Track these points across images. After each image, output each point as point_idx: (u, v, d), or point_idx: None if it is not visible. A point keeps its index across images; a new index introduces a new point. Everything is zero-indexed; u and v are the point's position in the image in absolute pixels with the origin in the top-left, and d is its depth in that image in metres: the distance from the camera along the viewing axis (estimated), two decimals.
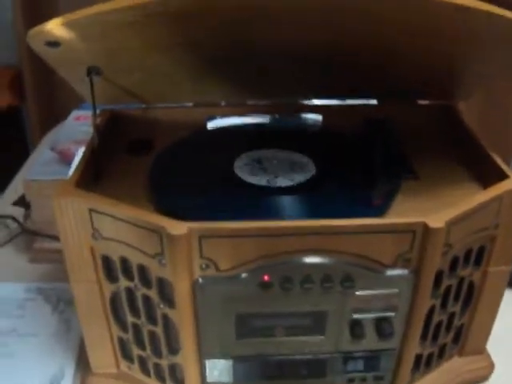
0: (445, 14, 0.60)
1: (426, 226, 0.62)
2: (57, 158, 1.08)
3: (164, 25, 0.63)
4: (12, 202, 1.19)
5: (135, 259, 0.66)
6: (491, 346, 0.84)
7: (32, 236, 1.11)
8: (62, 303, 0.99)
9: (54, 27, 0.61)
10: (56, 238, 1.01)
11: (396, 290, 0.66)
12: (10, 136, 2.17)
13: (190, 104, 0.93)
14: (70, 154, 1.07)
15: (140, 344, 0.74)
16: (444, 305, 0.74)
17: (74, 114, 1.27)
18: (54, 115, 2.05)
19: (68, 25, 0.61)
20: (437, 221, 0.62)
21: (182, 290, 0.64)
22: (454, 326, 0.78)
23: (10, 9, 2.02)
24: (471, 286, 0.76)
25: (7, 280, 1.05)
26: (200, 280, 0.63)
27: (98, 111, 0.84)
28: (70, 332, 0.92)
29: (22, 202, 1.14)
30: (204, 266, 0.63)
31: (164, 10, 0.59)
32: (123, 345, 0.77)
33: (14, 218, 1.16)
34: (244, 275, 0.63)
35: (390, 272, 0.65)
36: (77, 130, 1.18)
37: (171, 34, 0.67)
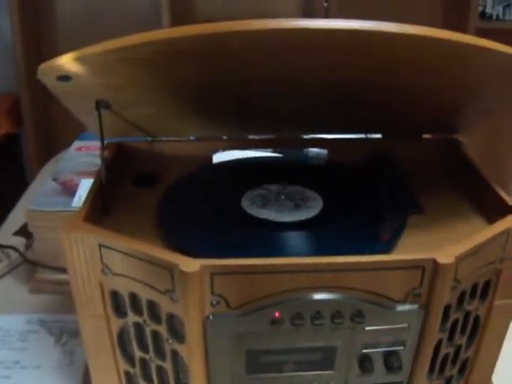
0: (449, 52, 0.61)
1: (435, 262, 0.63)
2: (59, 188, 1.08)
3: (172, 62, 0.64)
4: (13, 232, 1.19)
5: (145, 295, 0.66)
6: (496, 378, 0.84)
7: (33, 266, 1.11)
8: (65, 335, 0.98)
9: (66, 62, 0.62)
10: (58, 269, 1.02)
11: (405, 325, 0.67)
12: (7, 163, 2.18)
13: (193, 138, 0.93)
14: (73, 185, 1.08)
15: (147, 379, 0.74)
16: (451, 338, 0.74)
17: (76, 144, 1.27)
18: (51, 143, 2.06)
19: (80, 60, 0.61)
20: (446, 257, 0.63)
21: (192, 327, 0.64)
22: (460, 359, 0.78)
23: (9, 37, 2.04)
24: (477, 319, 0.76)
25: (8, 311, 1.05)
26: (211, 317, 0.63)
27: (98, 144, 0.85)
28: (74, 364, 0.92)
29: (23, 232, 1.14)
30: (215, 302, 0.63)
31: (173, 48, 0.60)
32: (130, 379, 0.76)
33: (15, 248, 1.16)
34: (254, 312, 0.63)
35: (400, 307, 0.65)
36: (78, 160, 1.18)
37: (178, 72, 0.67)
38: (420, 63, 0.64)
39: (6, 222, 1.32)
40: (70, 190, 1.07)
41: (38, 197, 1.07)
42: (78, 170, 1.14)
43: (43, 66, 0.63)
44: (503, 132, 1.45)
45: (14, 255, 1.16)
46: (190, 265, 0.60)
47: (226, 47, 0.60)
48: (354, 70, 0.66)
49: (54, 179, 1.11)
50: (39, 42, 2.06)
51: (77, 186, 1.07)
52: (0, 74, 2.06)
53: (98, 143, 0.76)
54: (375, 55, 0.62)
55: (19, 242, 1.18)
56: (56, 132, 2.09)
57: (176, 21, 2.09)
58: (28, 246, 1.14)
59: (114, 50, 0.59)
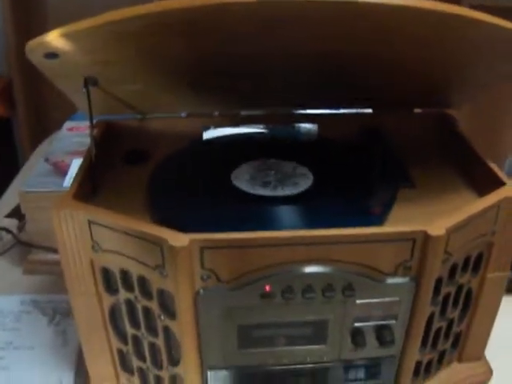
0: (441, 24, 0.60)
1: (426, 234, 0.63)
2: (51, 169, 1.08)
3: (161, 36, 0.63)
4: (6, 214, 1.19)
5: (135, 271, 0.66)
6: (490, 351, 0.84)
7: (26, 248, 1.11)
8: (58, 315, 0.98)
9: (54, 39, 0.61)
10: (51, 250, 1.02)
11: (397, 298, 0.67)
12: (1, 146, 2.17)
13: (184, 114, 0.93)
14: (65, 165, 1.07)
15: (140, 356, 0.74)
16: (443, 312, 0.74)
17: (67, 124, 1.26)
18: (44, 125, 2.05)
19: (67, 36, 0.61)
20: (437, 229, 0.63)
21: (183, 302, 0.64)
22: (453, 333, 0.78)
23: (0, 18, 2.02)
24: (469, 292, 0.76)
25: (2, 292, 1.04)
26: (201, 291, 0.63)
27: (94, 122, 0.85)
28: (67, 344, 0.92)
29: (16, 213, 1.14)
30: (205, 277, 0.62)
31: (162, 22, 0.59)
32: (123, 357, 0.76)
33: (7, 230, 1.15)
34: (245, 286, 0.63)
35: (391, 280, 0.65)
36: (70, 141, 1.18)
37: (168, 46, 0.67)
38: (409, 35, 0.63)
39: None
40: (62, 171, 1.06)
41: (30, 178, 1.07)
42: (69, 150, 1.14)
43: (30, 44, 0.62)
44: (500, 104, 1.45)
45: (7, 237, 1.16)
46: (179, 239, 0.60)
47: (216, 20, 0.59)
48: (345, 42, 0.66)
49: (46, 160, 1.11)
50: (30, 23, 2.05)
51: (68, 166, 1.07)
52: None
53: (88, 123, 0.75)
54: (364, 26, 0.61)
55: (12, 223, 1.17)
56: (49, 114, 2.07)
57: None
58: (21, 228, 1.14)
59: (102, 25, 0.58)
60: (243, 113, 0.94)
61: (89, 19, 0.58)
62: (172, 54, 0.69)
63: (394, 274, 0.65)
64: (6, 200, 1.30)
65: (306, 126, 0.92)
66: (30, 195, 1.02)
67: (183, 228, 0.63)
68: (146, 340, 0.71)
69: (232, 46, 0.66)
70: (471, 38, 0.64)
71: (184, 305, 0.64)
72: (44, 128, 1.85)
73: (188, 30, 0.62)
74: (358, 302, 0.66)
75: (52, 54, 0.64)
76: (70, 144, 1.16)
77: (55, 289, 1.03)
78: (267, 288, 0.63)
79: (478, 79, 0.80)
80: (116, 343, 0.75)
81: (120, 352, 0.76)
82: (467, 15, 0.58)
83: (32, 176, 1.07)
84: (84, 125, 1.21)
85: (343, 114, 0.94)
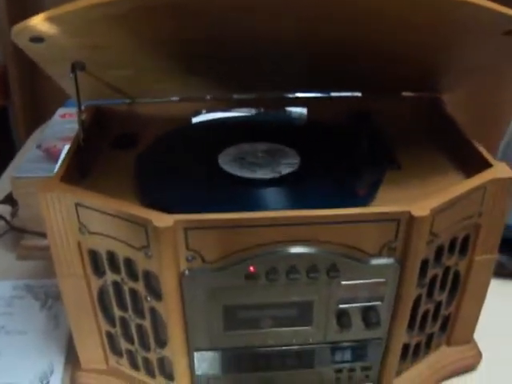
0: (431, 6, 0.61)
1: (410, 215, 0.63)
2: (43, 155, 1.08)
3: (149, 19, 0.63)
4: None
5: (122, 253, 0.66)
6: (479, 335, 0.84)
7: (19, 233, 1.11)
8: (51, 300, 0.99)
9: (39, 22, 0.61)
10: (43, 235, 1.01)
11: (382, 279, 0.67)
12: None
13: (176, 99, 0.93)
14: (56, 151, 1.07)
15: (128, 338, 0.74)
16: (430, 294, 0.74)
17: (60, 111, 1.27)
18: (40, 113, 2.04)
19: (52, 20, 0.61)
20: (421, 209, 0.63)
21: (168, 283, 0.64)
22: (441, 316, 0.79)
23: None
24: (457, 275, 0.76)
25: None
26: (186, 272, 0.63)
27: (83, 107, 0.85)
28: (59, 328, 0.92)
29: (9, 199, 1.14)
30: (190, 257, 0.63)
31: (149, 4, 0.59)
32: (112, 339, 0.77)
33: (0, 216, 1.16)
34: (230, 266, 0.63)
35: (376, 261, 0.66)
36: (62, 127, 1.18)
37: (156, 29, 0.67)
38: (395, 17, 0.63)
39: None
40: (54, 156, 1.07)
41: (22, 164, 1.07)
42: (61, 136, 1.14)
43: (16, 27, 0.63)
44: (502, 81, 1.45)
45: (0, 223, 1.16)
46: (164, 220, 0.60)
47: (203, 3, 0.60)
48: (331, 25, 0.66)
49: (38, 146, 1.11)
50: (26, 11, 2.04)
51: (60, 151, 1.07)
52: None
53: None
54: (349, 8, 0.61)
55: (5, 210, 1.17)
56: (44, 102, 2.06)
57: None
58: (14, 214, 1.14)
59: (88, 7, 0.58)
60: (234, 97, 0.94)
61: (73, 2, 0.57)
62: (160, 37, 0.69)
63: (379, 255, 0.65)
64: (0, 187, 1.30)
65: (296, 110, 0.93)
66: (22, 181, 1.02)
67: (170, 210, 0.63)
68: (134, 322, 0.72)
69: (219, 29, 0.66)
70: (457, 19, 0.64)
71: (169, 286, 0.64)
72: (40, 116, 1.84)
73: (174, 13, 0.62)
74: (342, 283, 0.66)
75: (38, 38, 0.64)
76: (63, 130, 1.17)
77: (48, 273, 1.03)
78: (251, 269, 0.63)
79: (465, 63, 0.80)
80: (105, 326, 0.76)
81: (109, 334, 0.76)
82: None
83: (24, 162, 1.07)
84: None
85: (333, 97, 0.94)
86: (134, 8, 0.60)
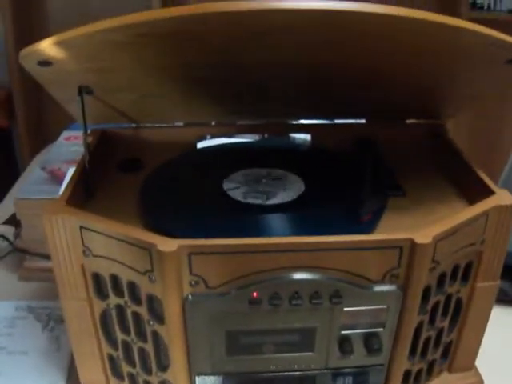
0: (431, 33, 0.61)
1: (413, 242, 0.63)
2: (47, 177, 1.09)
3: (155, 45, 0.64)
4: (2, 221, 1.20)
5: (125, 276, 0.67)
6: (480, 361, 0.84)
7: (22, 254, 1.11)
8: (52, 321, 0.99)
9: (46, 47, 0.62)
10: (46, 257, 1.02)
11: (384, 306, 0.67)
12: (1, 157, 2.17)
13: (181, 124, 0.93)
14: (61, 174, 1.08)
15: (130, 361, 0.74)
16: (432, 321, 0.74)
17: (65, 134, 1.27)
18: (43, 135, 2.05)
19: (60, 44, 0.61)
20: (424, 237, 0.63)
21: (171, 307, 0.64)
22: (443, 342, 0.79)
23: (1, 29, 2.03)
24: (459, 301, 0.76)
25: None
26: (189, 297, 0.64)
27: (88, 130, 0.85)
28: (60, 350, 0.92)
29: (12, 220, 1.15)
30: (193, 282, 0.63)
31: (154, 31, 0.60)
32: (113, 362, 0.77)
33: (4, 237, 1.16)
34: (233, 292, 0.64)
35: (378, 288, 0.66)
36: (67, 150, 1.19)
37: (162, 55, 0.67)
38: (396, 44, 0.64)
39: None
40: (58, 179, 1.07)
41: (25, 185, 1.08)
42: (66, 158, 1.14)
43: (24, 51, 0.63)
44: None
45: (3, 244, 1.16)
46: (168, 244, 0.60)
47: (204, 29, 0.60)
48: (334, 52, 0.67)
49: (42, 168, 1.12)
50: (32, 34, 2.06)
51: (65, 174, 1.07)
52: None
53: None
54: (352, 36, 0.62)
55: (9, 230, 1.18)
56: (48, 124, 2.08)
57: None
58: (17, 235, 1.14)
59: (94, 33, 0.59)
60: (239, 122, 0.94)
61: (81, 27, 0.58)
62: (165, 63, 0.70)
63: (382, 282, 0.66)
64: (3, 207, 1.31)
65: (300, 136, 0.93)
66: (25, 202, 1.02)
67: (174, 234, 0.63)
68: (136, 345, 0.72)
69: (222, 55, 0.66)
70: (460, 47, 0.65)
71: (172, 310, 0.64)
72: (43, 138, 1.86)
73: (177, 39, 0.62)
74: (345, 309, 0.67)
75: (45, 62, 0.65)
76: (67, 153, 1.17)
77: (50, 295, 1.03)
78: (255, 294, 0.64)
79: (468, 90, 0.81)
80: (106, 348, 0.75)
81: (110, 357, 0.76)
82: (451, 23, 0.59)
83: (27, 183, 1.08)
84: (81, 134, 1.22)
85: (337, 124, 0.94)
86: (139, 34, 0.60)
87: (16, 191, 1.30)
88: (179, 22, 0.58)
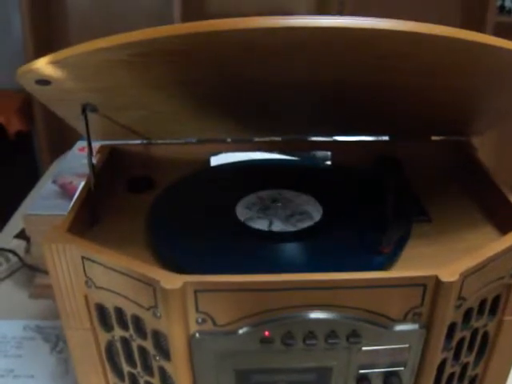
0: (458, 51, 0.57)
1: (437, 280, 0.58)
2: (59, 191, 1.06)
3: (160, 64, 0.61)
4: (14, 235, 1.17)
5: (129, 310, 0.63)
6: None
7: (33, 271, 1.08)
8: (61, 342, 0.96)
9: (43, 66, 0.58)
10: None
11: (406, 345, 0.63)
12: (20, 161, 2.16)
13: (194, 140, 0.90)
14: (72, 187, 1.05)
15: None
16: (457, 356, 0.70)
17: (79, 144, 1.24)
18: (63, 141, 2.03)
19: (57, 63, 0.58)
20: (450, 274, 0.59)
21: (177, 344, 0.60)
22: (468, 376, 0.74)
23: (20, 34, 2.02)
24: (485, 335, 0.72)
25: (6, 316, 1.03)
26: (196, 335, 0.60)
27: (97, 146, 0.82)
28: (68, 374, 0.90)
29: (23, 235, 1.12)
30: (200, 320, 0.59)
31: (158, 49, 0.56)
32: None
33: (14, 252, 1.13)
34: (243, 331, 0.60)
35: (399, 327, 0.61)
36: (81, 162, 1.16)
37: (168, 72, 0.64)
38: (420, 61, 0.60)
39: (8, 223, 1.30)
40: (70, 193, 1.04)
41: (36, 200, 1.05)
42: (79, 171, 1.11)
43: (21, 70, 0.60)
44: None
45: (14, 259, 1.13)
46: (172, 281, 0.56)
47: (214, 47, 0.57)
48: (354, 69, 0.63)
49: (54, 181, 1.09)
50: (50, 39, 2.05)
51: (76, 188, 1.04)
52: (11, 72, 2.03)
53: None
54: (372, 53, 0.58)
55: (20, 244, 1.15)
56: (68, 130, 2.06)
57: (188, 16, 2.06)
58: (27, 250, 1.11)
59: (92, 52, 0.55)
60: (255, 139, 0.90)
61: (77, 46, 0.55)
62: (170, 81, 0.66)
63: (403, 321, 0.61)
64: (15, 220, 1.29)
65: (319, 154, 0.89)
66: (34, 218, 1.00)
67: (182, 266, 0.61)
68: (143, 379, 0.68)
69: (233, 72, 0.63)
70: (488, 64, 0.61)
71: (178, 347, 0.61)
72: (63, 143, 1.83)
73: (181, 57, 0.59)
74: (363, 349, 0.62)
75: (43, 81, 0.61)
76: (81, 165, 1.14)
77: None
78: (266, 333, 0.59)
79: (498, 107, 0.77)
80: (113, 379, 0.72)
81: None
82: (481, 41, 0.54)
83: (38, 198, 1.05)
84: (96, 145, 1.19)
85: (358, 141, 0.90)
86: (134, 53, 0.57)
87: (27, 204, 1.28)
88: (186, 40, 0.54)
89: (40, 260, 1.05)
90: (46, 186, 1.08)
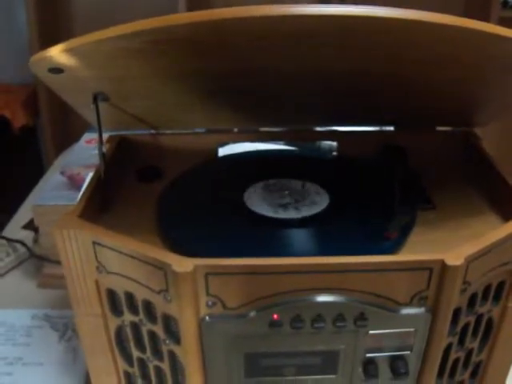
0: (463, 41, 0.58)
1: (443, 264, 0.59)
2: (66, 182, 1.07)
3: (171, 52, 0.61)
4: (22, 226, 1.18)
5: (140, 294, 0.64)
6: (511, 382, 0.81)
7: (40, 261, 1.09)
8: (70, 331, 0.97)
9: (56, 54, 0.59)
10: None
11: (412, 329, 0.63)
12: (25, 155, 2.17)
13: (202, 130, 0.90)
14: (80, 178, 1.06)
15: (146, 379, 0.72)
16: (461, 341, 0.71)
17: (86, 136, 1.25)
18: (69, 134, 2.04)
19: (70, 51, 0.59)
20: (455, 258, 0.59)
21: (187, 328, 0.61)
22: (472, 363, 0.75)
23: (25, 28, 2.03)
24: (490, 321, 0.72)
25: (15, 305, 1.04)
26: (206, 318, 0.61)
27: (106, 136, 0.83)
28: (77, 361, 0.91)
29: (31, 226, 1.13)
30: (210, 303, 0.60)
31: (171, 37, 0.57)
32: (129, 379, 0.74)
33: (22, 243, 1.14)
34: (252, 314, 0.60)
35: (406, 311, 0.62)
36: (88, 153, 1.16)
37: (179, 62, 0.64)
38: (426, 51, 0.60)
39: (16, 215, 1.31)
40: (77, 184, 1.05)
41: (44, 191, 1.06)
42: (86, 162, 1.12)
43: (34, 58, 0.61)
44: None
45: (22, 249, 1.14)
46: (183, 264, 0.57)
47: (223, 36, 0.57)
48: (361, 59, 0.64)
49: (62, 172, 1.10)
50: (56, 33, 2.05)
51: (84, 179, 1.05)
52: (17, 66, 2.04)
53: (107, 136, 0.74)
54: (378, 43, 0.59)
55: (28, 235, 1.16)
56: (73, 124, 2.07)
57: (193, 6, 2.06)
58: (35, 240, 1.12)
59: (105, 39, 0.56)
60: (261, 129, 0.91)
61: (91, 34, 0.56)
62: (182, 69, 0.67)
63: (409, 305, 0.62)
64: (23, 211, 1.30)
65: (325, 143, 0.90)
66: (43, 208, 1.00)
67: (192, 251, 0.61)
68: (152, 363, 0.69)
69: (241, 61, 0.64)
70: (495, 54, 0.61)
71: (188, 331, 0.61)
72: (69, 137, 1.84)
73: (192, 45, 0.59)
74: (370, 332, 0.63)
75: (56, 69, 0.62)
76: (88, 157, 1.15)
77: (68, 304, 1.00)
78: (275, 317, 0.60)
79: (504, 99, 0.77)
80: (122, 365, 0.73)
81: (126, 374, 0.74)
82: (489, 31, 0.55)
83: (46, 189, 1.06)
84: (105, 136, 1.20)
85: (364, 131, 0.91)
86: (153, 41, 0.58)
87: (35, 196, 1.29)
88: (197, 29, 0.55)
89: (48, 250, 1.06)
90: (53, 177, 1.09)
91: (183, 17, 0.53)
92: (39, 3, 2.00)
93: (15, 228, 1.22)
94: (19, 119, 2.05)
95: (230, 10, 0.52)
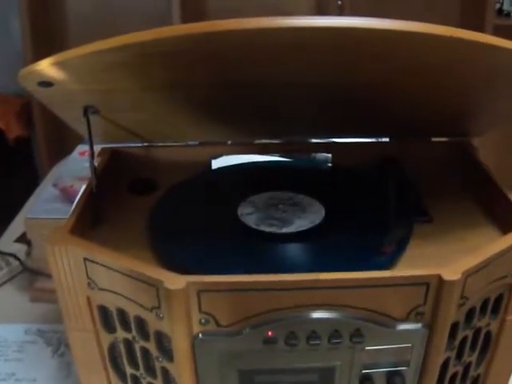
0: (456, 51, 0.57)
1: (440, 279, 0.58)
2: (59, 195, 1.05)
3: (160, 65, 0.61)
4: (14, 239, 1.17)
5: (132, 311, 0.63)
6: None
7: (33, 275, 1.08)
8: (63, 346, 0.96)
9: (45, 67, 0.59)
10: None
11: (408, 345, 0.63)
12: (20, 166, 2.16)
13: (195, 142, 0.90)
14: (73, 191, 1.05)
15: None
16: (459, 355, 0.70)
17: (80, 148, 1.24)
18: (63, 145, 2.04)
19: (59, 65, 0.58)
20: (452, 273, 0.59)
21: (180, 345, 0.60)
22: (470, 377, 0.74)
23: (19, 38, 2.02)
24: (488, 335, 0.72)
25: (7, 320, 1.03)
26: (199, 335, 0.60)
27: (98, 149, 0.82)
28: (70, 377, 0.90)
29: (23, 239, 1.12)
30: (203, 320, 0.59)
31: (159, 51, 0.56)
32: None
33: (15, 256, 1.13)
34: (246, 331, 0.59)
35: (402, 326, 0.61)
36: (81, 165, 1.15)
37: (168, 74, 0.64)
38: (420, 61, 0.60)
39: (9, 227, 1.30)
40: (70, 197, 1.04)
41: (36, 204, 1.05)
42: (80, 174, 1.11)
43: (23, 72, 0.61)
44: None
45: (15, 263, 1.13)
46: (176, 282, 0.56)
47: (213, 48, 0.57)
48: (354, 70, 0.63)
49: (54, 185, 1.08)
50: (50, 43, 2.05)
51: (77, 192, 1.04)
52: (11, 77, 2.04)
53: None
54: (373, 54, 0.58)
55: (21, 248, 1.15)
56: (67, 135, 2.06)
57: (187, 17, 2.06)
58: (28, 254, 1.11)
59: (94, 53, 0.56)
60: (256, 141, 0.90)
61: (79, 47, 0.55)
62: (171, 83, 0.66)
63: (406, 320, 0.61)
64: (16, 224, 1.29)
65: (320, 155, 0.89)
66: (35, 222, 1.00)
67: (184, 266, 0.60)
68: (145, 380, 0.68)
69: (234, 73, 0.63)
70: (488, 64, 0.61)
71: (181, 348, 0.61)
72: (63, 148, 1.83)
73: (183, 58, 0.59)
74: (366, 348, 0.62)
75: (46, 83, 0.61)
76: (81, 169, 1.14)
77: (61, 318, 1.00)
78: (269, 334, 0.59)
79: (498, 109, 0.77)
80: (116, 381, 0.72)
81: None
82: (482, 40, 0.55)
83: (39, 202, 1.05)
84: (97, 148, 1.19)
85: (359, 142, 0.90)
86: (135, 54, 0.57)
87: (28, 208, 1.28)
88: (187, 41, 0.55)
89: (41, 264, 1.05)
90: (46, 190, 1.08)
91: (173, 30, 0.52)
92: (33, 13, 2.00)
93: (8, 241, 1.20)
94: (13, 130, 2.05)
95: (222, 23, 0.51)
